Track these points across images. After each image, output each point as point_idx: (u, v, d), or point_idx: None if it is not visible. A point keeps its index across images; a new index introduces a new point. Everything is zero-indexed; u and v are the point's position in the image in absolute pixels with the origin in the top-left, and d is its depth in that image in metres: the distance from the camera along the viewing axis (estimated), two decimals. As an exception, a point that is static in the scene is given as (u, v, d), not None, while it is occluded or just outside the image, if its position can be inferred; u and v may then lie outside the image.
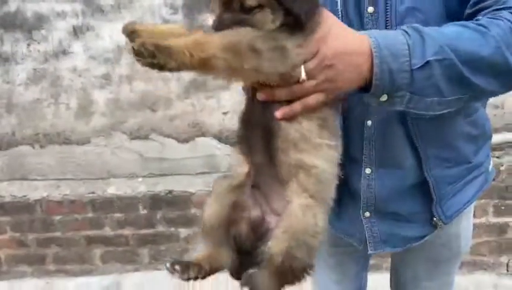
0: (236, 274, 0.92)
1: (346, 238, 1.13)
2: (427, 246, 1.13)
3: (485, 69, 0.80)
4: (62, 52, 2.47)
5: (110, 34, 2.43)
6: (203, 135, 2.54)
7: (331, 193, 0.87)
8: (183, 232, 2.53)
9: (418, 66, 0.77)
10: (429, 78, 0.78)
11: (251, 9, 0.77)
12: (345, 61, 0.78)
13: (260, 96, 0.83)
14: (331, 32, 0.79)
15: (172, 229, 2.53)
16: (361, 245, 1.10)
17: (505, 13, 0.82)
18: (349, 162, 0.96)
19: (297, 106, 0.81)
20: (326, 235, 0.90)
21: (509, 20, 0.81)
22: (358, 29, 0.88)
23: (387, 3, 0.90)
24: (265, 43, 0.75)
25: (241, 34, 0.76)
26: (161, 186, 2.53)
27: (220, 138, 2.53)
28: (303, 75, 0.78)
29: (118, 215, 2.53)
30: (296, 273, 0.84)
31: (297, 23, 0.77)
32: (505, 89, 0.86)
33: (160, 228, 2.53)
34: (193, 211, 2.48)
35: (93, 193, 2.54)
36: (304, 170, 0.82)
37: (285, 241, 0.81)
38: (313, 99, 0.81)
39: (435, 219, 1.05)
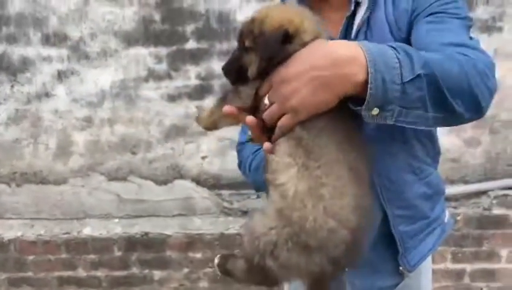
0: None
1: None
2: None
3: (456, 89, 0.82)
4: (45, 94, 2.53)
5: (94, 79, 2.52)
6: (182, 177, 2.63)
7: (304, 212, 0.84)
8: (158, 274, 2.56)
9: (409, 79, 0.79)
10: (418, 91, 0.80)
11: (247, 49, 0.90)
12: (306, 77, 0.81)
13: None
14: (307, 51, 0.84)
15: (147, 271, 2.56)
16: None
17: (459, 56, 0.86)
18: None
19: (276, 133, 0.89)
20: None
21: (470, 56, 0.85)
22: None
23: None
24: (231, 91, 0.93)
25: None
26: (137, 227, 2.57)
27: (198, 181, 2.62)
28: (265, 101, 0.90)
29: (92, 256, 2.54)
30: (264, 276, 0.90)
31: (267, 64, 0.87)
32: (469, 114, 0.86)
33: (135, 270, 2.56)
34: (168, 253, 2.53)
35: (67, 233, 2.55)
36: (272, 186, 0.89)
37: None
38: (283, 121, 0.87)
39: (401, 268, 1.19)
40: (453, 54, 0.86)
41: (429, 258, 1.31)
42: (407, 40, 1.02)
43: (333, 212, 0.84)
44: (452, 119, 0.86)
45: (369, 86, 0.77)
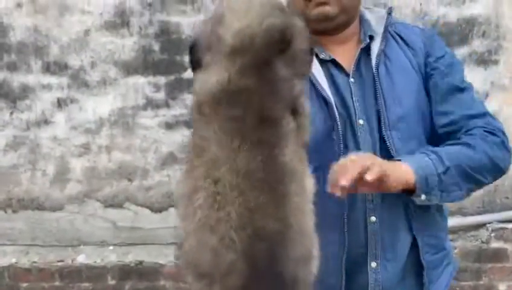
0: None
1: None
2: None
3: (479, 168, 1.08)
4: (44, 121, 2.56)
5: (93, 107, 2.55)
6: (177, 206, 2.63)
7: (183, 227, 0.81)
8: (151, 303, 2.54)
9: (441, 171, 1.04)
10: (451, 179, 1.05)
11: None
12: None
13: None
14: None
15: (140, 300, 2.54)
16: None
17: (476, 131, 1.10)
18: (353, 258, 1.06)
19: None
20: None
21: (489, 136, 1.09)
22: (352, 138, 1.09)
23: (380, 115, 1.09)
24: None
25: None
26: (131, 256, 2.56)
27: (193, 210, 2.61)
28: None
29: (85, 284, 2.52)
30: None
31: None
32: (494, 178, 1.13)
33: (128, 299, 2.54)
34: (162, 282, 2.51)
35: (62, 261, 2.54)
36: None
37: None
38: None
39: None
40: (472, 139, 1.09)
41: None
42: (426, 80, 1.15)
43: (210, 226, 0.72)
44: (482, 185, 1.14)
45: (416, 184, 1.03)
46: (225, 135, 0.75)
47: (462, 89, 1.14)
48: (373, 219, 1.08)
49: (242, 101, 0.76)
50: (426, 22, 2.44)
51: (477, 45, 2.46)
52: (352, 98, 1.11)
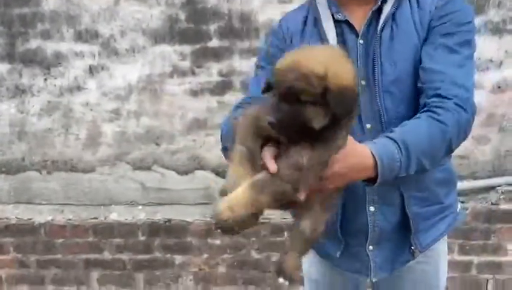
0: None
1: (351, 274, 1.34)
2: (410, 284, 1.36)
3: (438, 161, 1.16)
4: (76, 87, 2.70)
5: (122, 74, 2.68)
6: (202, 168, 2.77)
7: None
8: (179, 259, 2.71)
9: (403, 174, 1.10)
10: (411, 169, 1.11)
11: (305, 103, 0.92)
12: (341, 177, 1.05)
13: None
14: (349, 151, 1.04)
15: (168, 255, 2.71)
16: (367, 276, 1.32)
17: (452, 105, 1.12)
18: (354, 203, 1.20)
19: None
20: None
21: (457, 113, 1.13)
22: None
23: (375, 77, 1.19)
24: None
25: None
26: (160, 214, 2.72)
27: (218, 172, 2.76)
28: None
29: (117, 240, 2.70)
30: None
31: (334, 122, 0.94)
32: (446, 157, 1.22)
33: (157, 254, 2.71)
34: (189, 239, 2.68)
35: (95, 218, 2.71)
36: None
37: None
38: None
39: (412, 247, 1.29)
40: (446, 119, 1.12)
41: (445, 245, 1.42)
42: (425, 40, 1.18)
43: None
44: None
45: (378, 180, 1.08)
46: None
47: (455, 51, 1.16)
48: None
49: None
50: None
51: (493, 14, 2.54)
52: (357, 59, 1.20)
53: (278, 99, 0.93)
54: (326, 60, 0.93)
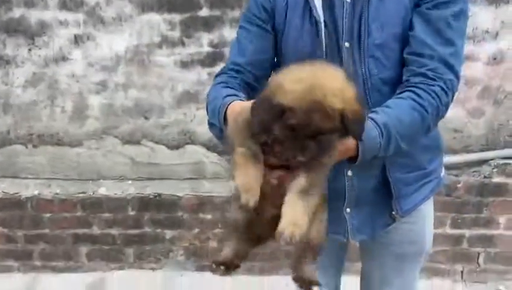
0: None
1: (331, 235, 1.33)
2: (396, 244, 1.37)
3: (415, 139, 1.18)
4: (62, 58, 2.60)
5: (109, 44, 2.58)
6: (193, 143, 2.72)
7: None
8: (169, 233, 2.68)
9: (381, 155, 1.13)
10: (390, 150, 1.13)
11: (324, 133, 0.96)
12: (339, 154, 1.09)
13: None
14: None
15: (159, 230, 2.67)
16: (345, 238, 1.33)
17: (437, 89, 1.12)
18: (333, 166, 1.18)
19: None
20: None
21: (439, 98, 1.14)
22: (337, 59, 1.15)
23: (360, 40, 1.15)
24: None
25: None
26: (150, 189, 2.67)
27: (208, 146, 2.71)
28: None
29: (106, 215, 2.66)
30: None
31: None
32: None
33: (147, 229, 2.67)
34: (180, 213, 2.64)
35: (83, 193, 2.66)
36: None
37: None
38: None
39: (393, 212, 1.30)
40: (427, 104, 1.13)
41: (431, 206, 1.43)
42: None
43: None
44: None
45: (358, 161, 1.11)
46: None
47: (448, 24, 1.14)
48: None
49: None
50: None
51: (490, -16, 2.48)
52: (343, 18, 1.16)
53: (295, 135, 0.95)
54: (340, 89, 0.96)
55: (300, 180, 1.00)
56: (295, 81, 0.96)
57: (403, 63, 1.18)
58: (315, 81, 0.95)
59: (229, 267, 1.14)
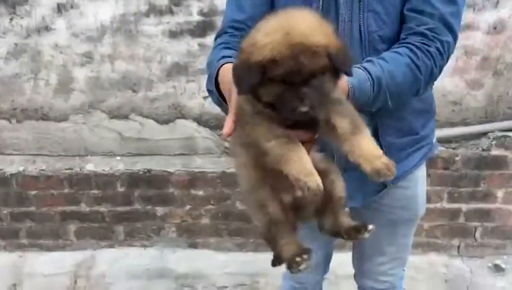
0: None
1: None
2: (388, 209, 1.33)
3: (403, 98, 1.16)
4: (45, 28, 2.48)
5: (94, 13, 2.46)
6: (183, 117, 2.63)
7: None
8: (160, 210, 2.60)
9: (367, 108, 1.10)
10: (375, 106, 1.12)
11: (317, 76, 0.89)
12: None
13: None
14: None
15: (149, 207, 2.60)
16: None
17: (433, 50, 1.10)
18: None
19: None
20: None
21: (434, 60, 1.11)
22: (333, 13, 1.10)
23: None
24: None
25: None
26: (139, 165, 2.59)
27: (200, 121, 2.62)
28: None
29: (94, 192, 2.57)
30: None
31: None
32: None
33: (137, 206, 2.60)
34: (171, 190, 2.56)
35: (70, 169, 2.57)
36: None
37: None
38: None
39: None
40: (421, 64, 1.10)
41: (424, 170, 1.40)
42: None
43: None
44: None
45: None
46: None
47: None
48: None
49: None
50: None
51: (491, -51, 2.38)
52: None
53: (290, 85, 0.88)
54: (317, 26, 0.91)
55: (343, 123, 0.95)
56: (268, 34, 0.89)
57: (401, 20, 1.14)
58: (289, 26, 0.88)
59: (301, 254, 1.04)
